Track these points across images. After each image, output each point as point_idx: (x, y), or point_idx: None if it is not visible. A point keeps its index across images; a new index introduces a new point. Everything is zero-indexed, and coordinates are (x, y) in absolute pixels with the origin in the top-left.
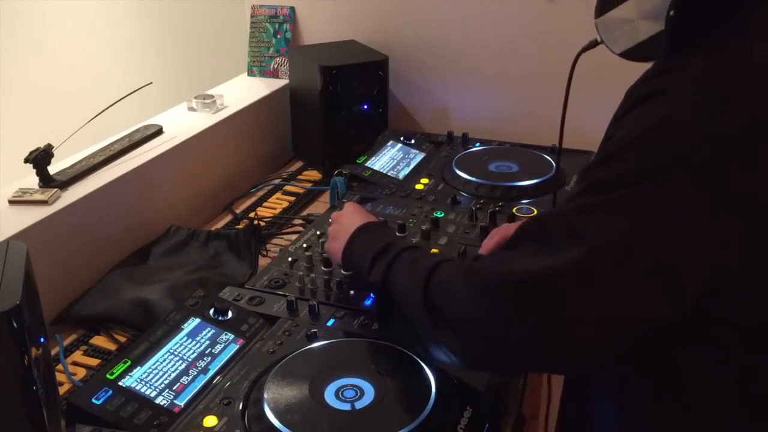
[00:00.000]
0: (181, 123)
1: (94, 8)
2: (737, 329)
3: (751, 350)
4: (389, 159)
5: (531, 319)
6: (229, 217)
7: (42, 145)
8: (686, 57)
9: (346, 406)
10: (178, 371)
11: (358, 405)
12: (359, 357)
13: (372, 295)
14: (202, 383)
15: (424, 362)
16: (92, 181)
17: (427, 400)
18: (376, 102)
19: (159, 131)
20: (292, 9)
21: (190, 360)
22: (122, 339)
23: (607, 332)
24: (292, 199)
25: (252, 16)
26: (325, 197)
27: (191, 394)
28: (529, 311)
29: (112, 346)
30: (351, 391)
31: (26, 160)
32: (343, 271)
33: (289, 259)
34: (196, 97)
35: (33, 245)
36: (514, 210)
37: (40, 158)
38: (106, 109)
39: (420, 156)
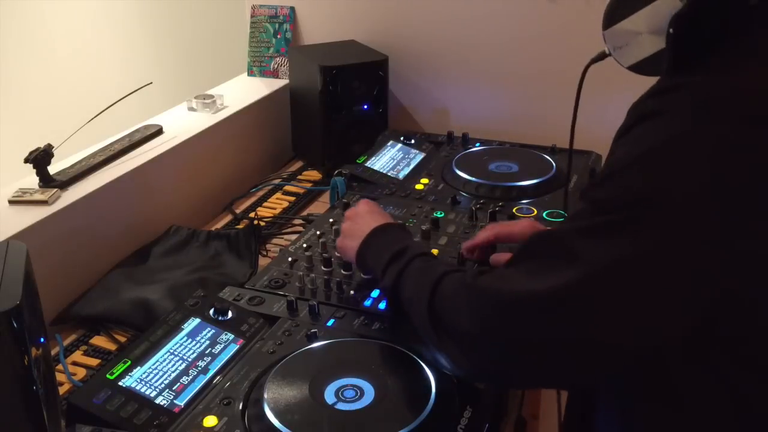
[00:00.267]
0: (181, 123)
1: (94, 8)
2: (734, 352)
3: (747, 372)
4: (389, 159)
5: (525, 338)
6: (229, 217)
7: (42, 145)
8: (687, 77)
9: (346, 406)
10: (178, 371)
11: (358, 405)
12: (359, 357)
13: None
14: (202, 383)
15: (424, 362)
16: (92, 181)
17: (427, 400)
18: (376, 102)
19: (159, 131)
20: (292, 9)
21: (190, 360)
22: (122, 339)
23: (598, 353)
24: (292, 199)
25: (252, 16)
26: (325, 197)
27: (191, 394)
28: (524, 330)
29: (112, 346)
30: (351, 391)
31: (26, 160)
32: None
33: (289, 259)
34: (196, 97)
35: (33, 245)
36: (514, 210)
37: (40, 158)
38: (106, 109)
39: (420, 156)
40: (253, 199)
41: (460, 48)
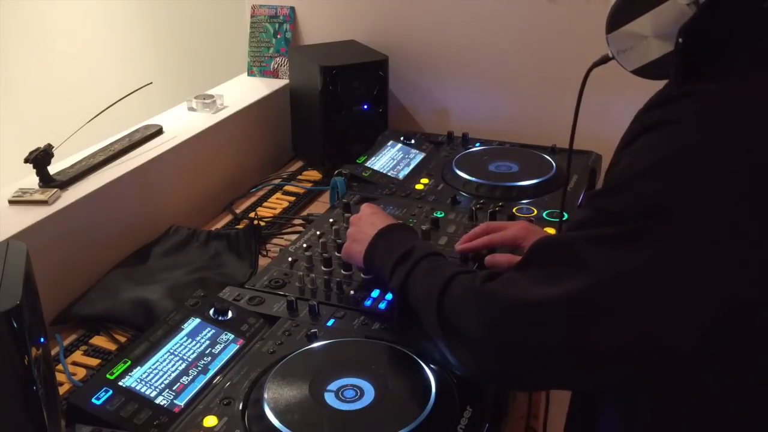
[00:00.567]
0: (181, 123)
1: (94, 8)
2: (741, 359)
3: (753, 378)
4: (389, 159)
5: (532, 343)
6: (229, 217)
7: (42, 145)
8: (696, 84)
9: (346, 406)
10: (178, 371)
11: (358, 405)
12: (359, 357)
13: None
14: (202, 383)
15: (424, 362)
16: (92, 181)
17: (427, 400)
18: (376, 102)
19: (159, 131)
20: (292, 9)
21: (190, 360)
22: (122, 339)
23: (605, 360)
24: (292, 199)
25: (252, 16)
26: (325, 197)
27: (191, 394)
28: (531, 336)
29: (112, 346)
30: (351, 391)
31: (26, 160)
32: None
33: (289, 259)
34: (196, 97)
35: (33, 245)
36: (514, 210)
37: (40, 158)
38: (106, 109)
39: (420, 156)
40: (253, 199)
41: (460, 48)
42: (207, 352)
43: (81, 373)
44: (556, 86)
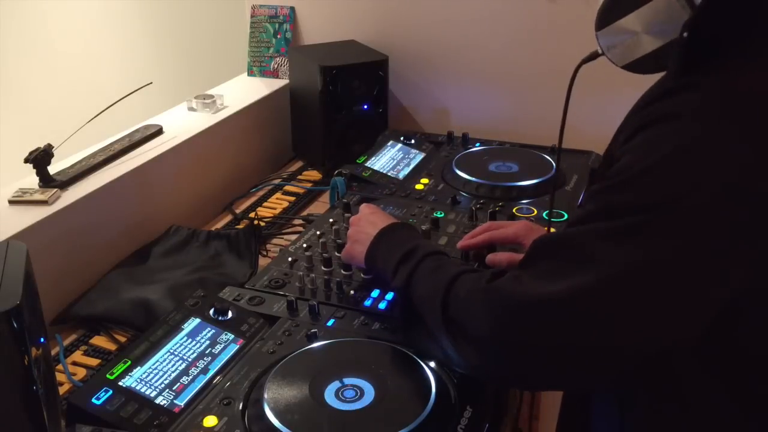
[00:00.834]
0: (181, 123)
1: (94, 8)
2: (743, 355)
3: (755, 376)
4: (389, 159)
5: (543, 341)
6: (229, 217)
7: (42, 145)
8: (698, 76)
9: (346, 406)
10: (178, 371)
11: (358, 405)
12: (359, 357)
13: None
14: (202, 383)
15: (424, 362)
16: (92, 181)
17: (427, 400)
18: (376, 102)
19: (159, 131)
20: (292, 9)
21: (190, 360)
22: (122, 339)
23: (613, 356)
24: (292, 199)
25: (252, 16)
26: (325, 197)
27: (191, 394)
28: (539, 333)
29: (112, 346)
30: (351, 391)
31: (26, 160)
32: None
33: (289, 259)
34: (196, 97)
35: (33, 245)
36: (514, 210)
37: (40, 158)
38: (106, 109)
39: (420, 156)
40: (253, 199)
41: (460, 48)
42: (207, 352)
43: (81, 373)
44: (556, 86)
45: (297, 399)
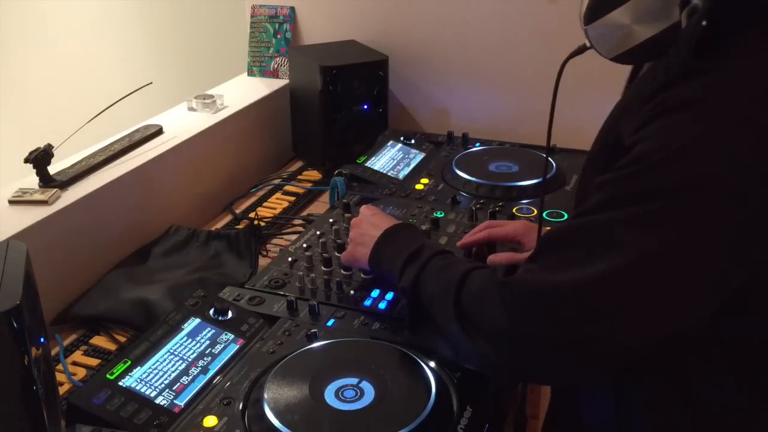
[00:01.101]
0: (181, 123)
1: (94, 8)
2: (752, 345)
3: (764, 366)
4: (389, 159)
5: (565, 330)
6: (229, 217)
7: (42, 145)
8: (712, 59)
9: (346, 406)
10: (178, 371)
11: (358, 405)
12: (359, 357)
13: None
14: (202, 383)
15: (424, 362)
16: (92, 181)
17: (427, 400)
18: (376, 102)
19: (159, 131)
20: (292, 9)
21: (190, 360)
22: (122, 339)
23: (637, 341)
24: (292, 199)
25: (252, 16)
26: (325, 197)
27: (191, 394)
28: (563, 323)
29: (112, 346)
30: (351, 391)
31: (26, 160)
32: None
33: (289, 259)
34: (196, 97)
35: (33, 245)
36: (514, 210)
37: (40, 158)
38: (106, 109)
39: (420, 156)
40: (253, 199)
41: (460, 48)
42: (207, 352)
43: (81, 373)
44: None
45: (297, 399)
